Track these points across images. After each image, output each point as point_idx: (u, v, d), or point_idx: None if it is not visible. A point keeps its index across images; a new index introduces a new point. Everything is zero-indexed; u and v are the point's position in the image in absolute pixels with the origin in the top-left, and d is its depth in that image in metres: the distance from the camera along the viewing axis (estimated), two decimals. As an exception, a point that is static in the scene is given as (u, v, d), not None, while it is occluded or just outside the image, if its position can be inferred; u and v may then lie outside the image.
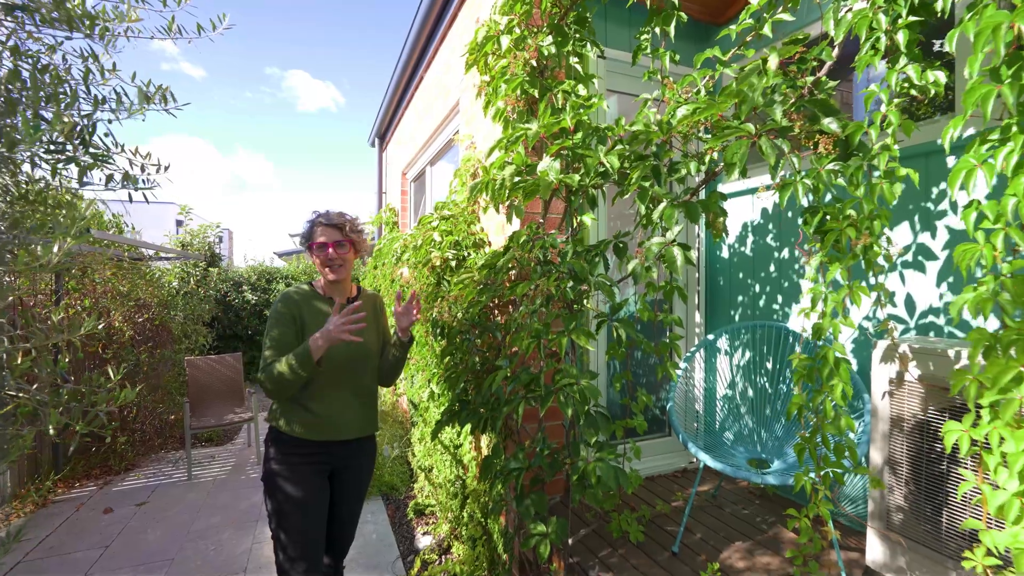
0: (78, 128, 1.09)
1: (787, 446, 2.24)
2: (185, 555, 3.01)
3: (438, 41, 3.68)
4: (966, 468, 1.44)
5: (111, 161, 1.19)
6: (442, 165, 4.40)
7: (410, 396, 3.79)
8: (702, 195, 1.61)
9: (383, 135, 6.26)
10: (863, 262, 1.11)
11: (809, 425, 1.38)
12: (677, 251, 1.51)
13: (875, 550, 1.69)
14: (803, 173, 1.17)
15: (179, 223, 7.62)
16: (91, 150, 1.12)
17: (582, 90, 1.91)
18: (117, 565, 2.91)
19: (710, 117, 1.34)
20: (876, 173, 1.08)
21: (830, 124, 1.15)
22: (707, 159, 1.42)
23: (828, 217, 1.14)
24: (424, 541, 3.08)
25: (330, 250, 1.75)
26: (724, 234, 1.59)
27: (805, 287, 2.41)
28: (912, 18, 0.99)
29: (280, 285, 8.21)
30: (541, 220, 1.96)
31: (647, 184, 1.53)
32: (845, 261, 1.11)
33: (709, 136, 1.43)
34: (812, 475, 1.39)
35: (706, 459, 1.94)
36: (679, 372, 2.47)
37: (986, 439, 0.91)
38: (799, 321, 2.42)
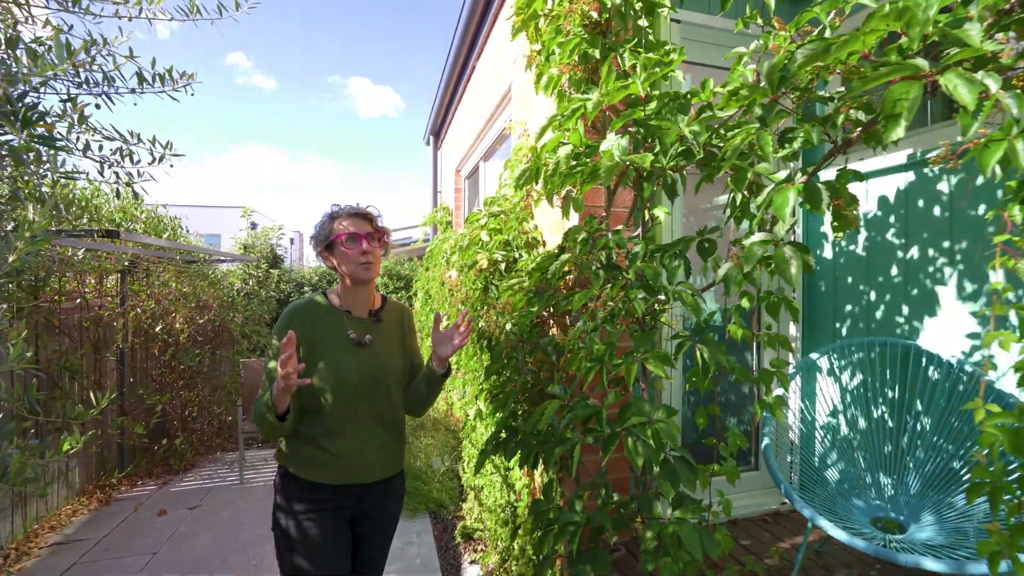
0: (18, 103, 0.87)
1: (926, 501, 1.74)
2: (227, 566, 2.91)
3: (489, 25, 3.39)
4: None
5: (55, 142, 0.97)
6: (495, 161, 4.11)
7: (457, 411, 3.53)
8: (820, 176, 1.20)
9: (437, 132, 6.08)
10: None
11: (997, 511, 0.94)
12: (790, 252, 1.11)
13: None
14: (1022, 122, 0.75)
15: (253, 225, 7.84)
16: (35, 131, 0.91)
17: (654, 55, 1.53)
18: (163, 571, 2.85)
19: (850, 58, 0.94)
20: None
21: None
22: (839, 121, 1.02)
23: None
24: (472, 571, 2.80)
25: (364, 242, 1.45)
26: (855, 228, 1.17)
27: (947, 298, 1.89)
28: None
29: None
30: (604, 214, 1.60)
31: (744, 163, 1.15)
32: None
33: (855, 81, 1.02)
34: None
35: (838, 534, 1.46)
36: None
37: None
38: (943, 341, 1.90)
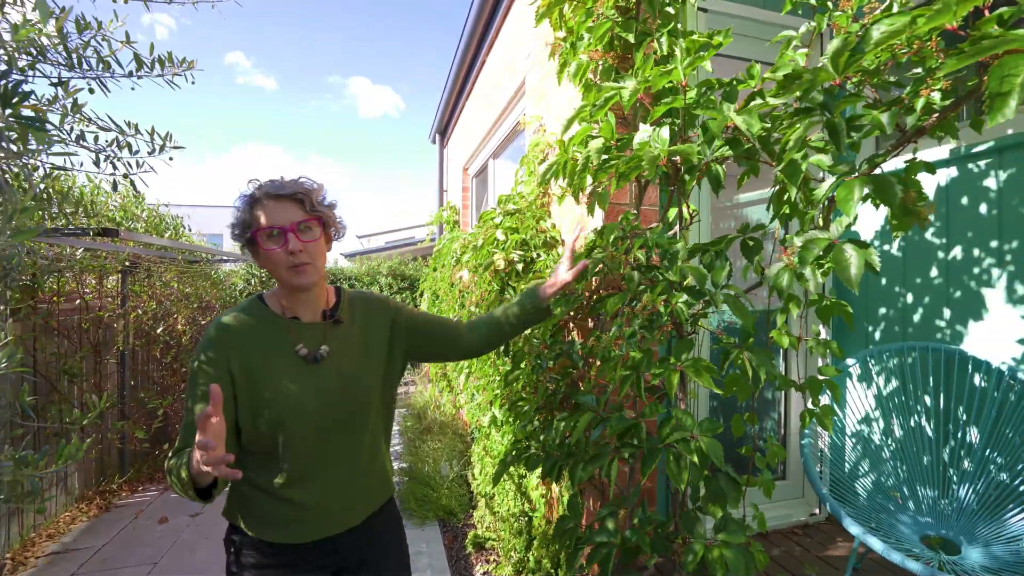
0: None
1: (981, 519, 1.63)
2: (230, 579, 2.82)
3: (500, 18, 3.29)
4: None
5: (38, 124, 0.87)
6: (505, 161, 4.01)
7: (469, 418, 3.43)
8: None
9: (444, 130, 5.99)
10: None
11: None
12: (851, 251, 1.00)
13: None
14: None
15: None
16: (23, 112, 0.81)
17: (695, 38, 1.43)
18: (164, 584, 2.76)
19: (933, 34, 0.84)
20: None
21: None
22: (918, 104, 0.92)
23: None
24: (483, 583, 2.69)
25: (290, 238, 1.04)
26: (924, 225, 1.07)
27: (995, 301, 1.78)
28: None
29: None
30: (634, 211, 1.50)
31: (799, 155, 1.04)
32: None
33: (916, 72, 0.92)
34: None
35: (892, 556, 1.36)
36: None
37: None
38: (991, 346, 1.79)
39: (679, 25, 1.59)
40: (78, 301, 3.66)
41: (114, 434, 3.74)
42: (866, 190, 0.95)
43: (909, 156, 1.33)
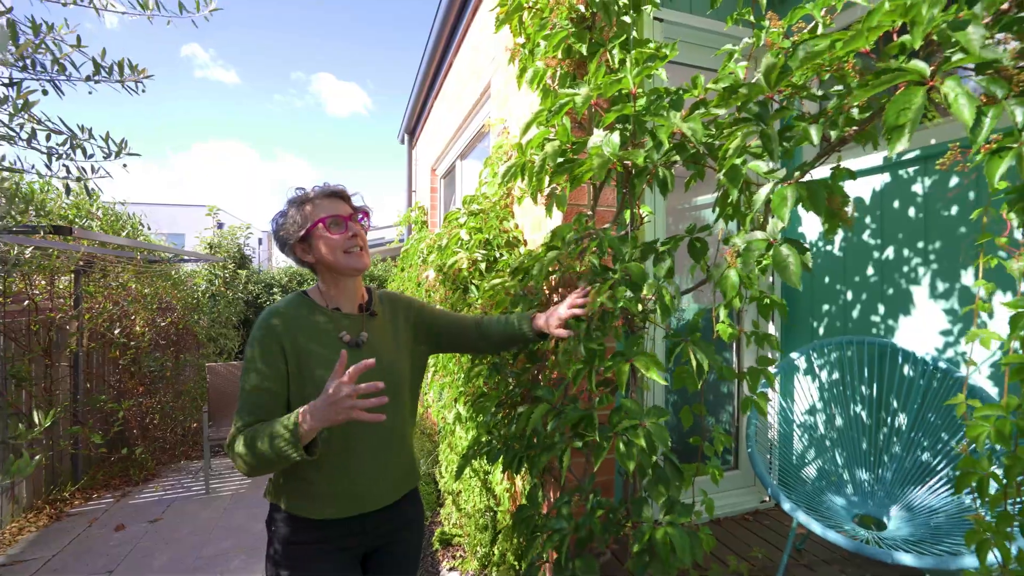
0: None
1: (905, 496, 1.76)
2: (191, 584, 2.77)
3: (467, 20, 3.33)
4: None
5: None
6: (472, 162, 4.05)
7: (435, 415, 3.45)
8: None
9: (412, 130, 5.98)
10: None
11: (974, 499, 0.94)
12: (787, 251, 1.09)
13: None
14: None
15: (220, 225, 7.53)
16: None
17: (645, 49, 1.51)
18: (119, 594, 2.68)
19: (848, 56, 0.92)
20: None
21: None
22: (840, 119, 1.01)
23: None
24: (450, 578, 2.72)
25: (351, 225, 1.22)
26: (850, 227, 1.17)
27: (921, 297, 1.93)
28: None
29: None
30: (589, 212, 1.57)
31: (739, 160, 1.13)
32: None
33: (856, 85, 1.01)
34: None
35: (815, 527, 1.47)
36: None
37: None
38: (918, 339, 1.93)
39: (635, 34, 1.67)
40: (27, 302, 3.52)
41: (67, 440, 3.61)
42: (797, 195, 1.04)
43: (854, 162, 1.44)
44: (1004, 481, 0.91)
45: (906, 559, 1.31)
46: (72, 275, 3.90)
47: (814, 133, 1.01)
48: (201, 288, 5.90)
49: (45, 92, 1.12)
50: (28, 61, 1.06)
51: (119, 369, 4.35)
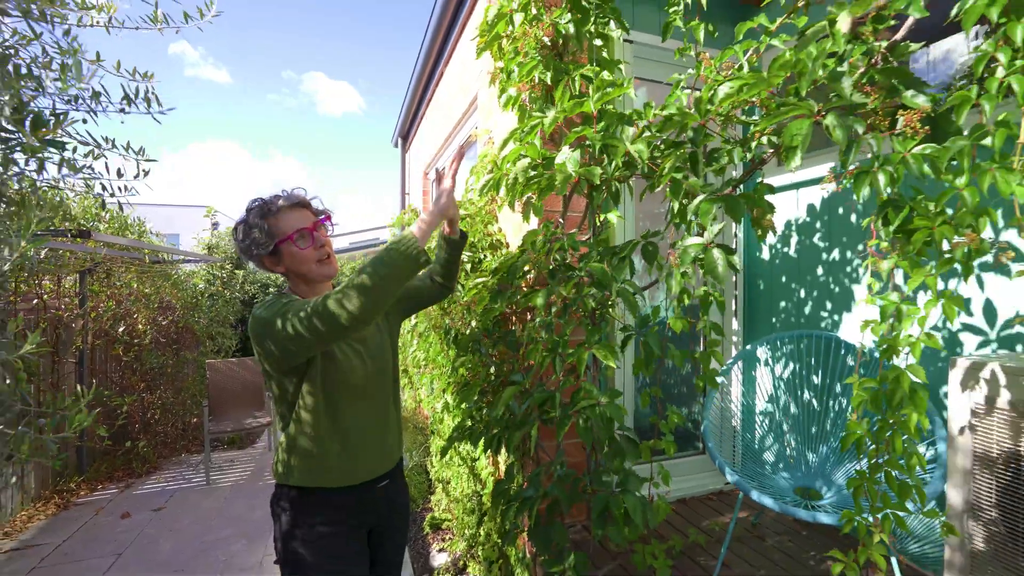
0: (24, 114, 0.96)
1: (837, 471, 1.98)
2: (196, 565, 2.94)
3: (456, 35, 3.52)
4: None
5: (66, 149, 1.06)
6: (462, 165, 4.24)
7: (426, 406, 3.64)
8: (742, 188, 1.39)
9: (405, 135, 6.16)
10: (962, 269, 0.87)
11: (866, 458, 1.15)
12: (718, 254, 1.29)
13: (953, 605, 1.43)
14: (882, 158, 0.95)
15: (215, 225, 7.69)
16: (46, 137, 0.99)
17: (606, 76, 1.71)
18: (129, 572, 2.85)
19: (759, 94, 1.13)
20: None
21: (915, 98, 0.92)
22: (754, 144, 1.21)
23: (915, 213, 0.91)
24: (440, 558, 2.91)
25: (316, 236, 1.27)
26: (772, 233, 1.37)
27: (861, 295, 2.14)
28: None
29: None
30: (560, 219, 1.76)
31: (679, 176, 1.33)
32: (939, 267, 0.88)
33: (756, 118, 1.21)
34: (867, 516, 1.16)
35: (749, 490, 1.71)
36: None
37: None
38: (857, 332, 2.15)
39: (606, 54, 1.87)
40: (35, 301, 3.68)
41: (73, 433, 3.77)
42: (720, 207, 1.24)
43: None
44: (869, 444, 1.12)
45: (824, 518, 1.52)
46: (77, 275, 4.06)
47: (735, 154, 1.22)
48: (199, 288, 6.06)
49: (84, 120, 1.30)
50: (72, 94, 1.24)
51: (122, 366, 4.51)
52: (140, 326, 4.46)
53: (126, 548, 3.14)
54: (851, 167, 0.98)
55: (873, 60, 1.00)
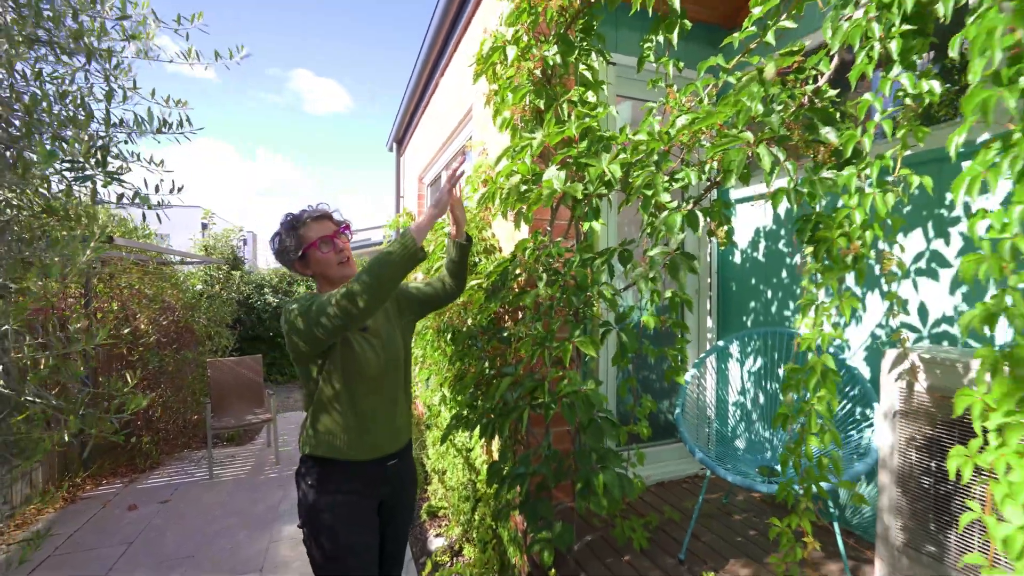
0: (94, 148, 1.15)
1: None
2: (203, 554, 3.10)
3: (452, 49, 3.72)
4: (973, 495, 1.41)
5: (123, 181, 1.25)
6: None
7: (423, 400, 3.83)
8: (706, 203, 1.61)
9: (400, 140, 6.35)
10: (855, 273, 1.10)
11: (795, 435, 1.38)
12: (679, 259, 1.51)
13: (881, 569, 1.66)
14: (797, 181, 1.17)
15: (204, 226, 7.82)
16: (108, 168, 1.18)
17: (591, 97, 1.92)
18: (138, 562, 3.01)
19: (710, 126, 1.34)
20: (869, 183, 1.07)
21: (828, 134, 1.14)
22: (707, 168, 1.42)
23: (821, 226, 1.13)
24: (436, 543, 3.11)
25: (337, 242, 1.50)
26: (728, 242, 1.59)
27: (827, 298, 2.38)
28: (906, 27, 0.98)
29: (301, 288, 8.37)
30: (548, 227, 1.97)
31: (649, 193, 1.54)
32: (836, 271, 1.10)
33: (709, 145, 1.43)
34: (796, 487, 1.39)
35: (712, 466, 1.93)
36: (688, 378, 2.45)
37: (992, 466, 0.86)
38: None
39: (591, 76, 2.08)
40: (43, 302, 3.82)
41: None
42: (683, 219, 1.45)
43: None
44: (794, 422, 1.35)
45: (761, 487, 1.75)
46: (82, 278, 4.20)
47: (692, 176, 1.43)
48: (197, 288, 6.20)
49: (126, 142, 1.48)
50: (118, 119, 1.42)
51: (125, 364, 4.65)
52: (143, 326, 4.60)
53: (135, 538, 3.30)
54: (772, 187, 1.20)
55: (802, 102, 1.22)
